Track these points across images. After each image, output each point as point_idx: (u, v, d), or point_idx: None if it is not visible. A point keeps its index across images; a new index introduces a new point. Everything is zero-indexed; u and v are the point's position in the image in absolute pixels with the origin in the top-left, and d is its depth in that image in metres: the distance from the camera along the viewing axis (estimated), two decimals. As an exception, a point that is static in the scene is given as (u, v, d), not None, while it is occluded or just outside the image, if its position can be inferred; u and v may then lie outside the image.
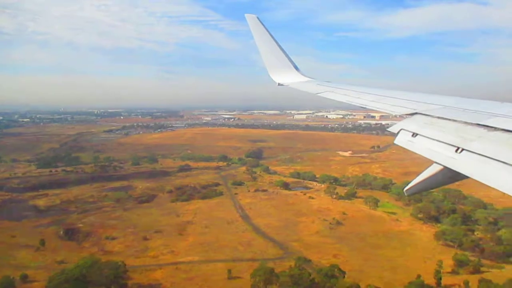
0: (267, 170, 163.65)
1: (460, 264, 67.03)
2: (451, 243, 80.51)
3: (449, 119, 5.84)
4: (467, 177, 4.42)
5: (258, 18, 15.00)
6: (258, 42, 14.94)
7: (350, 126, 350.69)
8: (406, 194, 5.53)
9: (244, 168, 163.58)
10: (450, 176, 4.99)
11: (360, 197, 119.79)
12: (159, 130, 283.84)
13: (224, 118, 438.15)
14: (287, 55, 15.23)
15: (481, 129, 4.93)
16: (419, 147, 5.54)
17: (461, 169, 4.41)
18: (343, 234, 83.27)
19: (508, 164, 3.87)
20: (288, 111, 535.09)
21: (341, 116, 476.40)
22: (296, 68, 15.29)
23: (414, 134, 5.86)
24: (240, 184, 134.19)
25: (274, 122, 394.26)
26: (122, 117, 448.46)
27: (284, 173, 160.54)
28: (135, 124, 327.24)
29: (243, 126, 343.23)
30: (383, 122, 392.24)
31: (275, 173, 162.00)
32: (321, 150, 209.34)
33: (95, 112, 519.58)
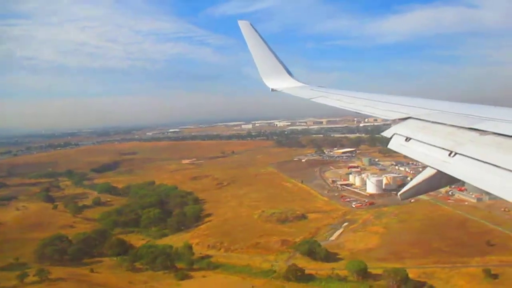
0: (79, 183, 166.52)
1: None
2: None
3: (442, 123, 5.74)
4: (460, 180, 4.52)
5: (251, 24, 14.63)
6: (251, 48, 14.58)
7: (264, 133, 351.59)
8: (400, 199, 5.53)
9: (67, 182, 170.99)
10: (444, 179, 5.10)
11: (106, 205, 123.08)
12: (59, 148, 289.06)
13: (165, 133, 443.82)
14: (280, 61, 14.99)
15: (474, 133, 4.89)
16: (412, 151, 5.50)
17: (454, 172, 4.44)
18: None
19: (499, 167, 3.88)
20: (253, 122, 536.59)
21: (289, 124, 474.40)
22: (290, 73, 14.99)
23: (408, 139, 5.79)
24: (7, 199, 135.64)
25: (208, 133, 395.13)
26: (69, 137, 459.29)
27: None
28: (52, 144, 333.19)
29: (159, 139, 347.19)
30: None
31: (89, 186, 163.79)
32: (175, 159, 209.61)
33: (56, 134, 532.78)
